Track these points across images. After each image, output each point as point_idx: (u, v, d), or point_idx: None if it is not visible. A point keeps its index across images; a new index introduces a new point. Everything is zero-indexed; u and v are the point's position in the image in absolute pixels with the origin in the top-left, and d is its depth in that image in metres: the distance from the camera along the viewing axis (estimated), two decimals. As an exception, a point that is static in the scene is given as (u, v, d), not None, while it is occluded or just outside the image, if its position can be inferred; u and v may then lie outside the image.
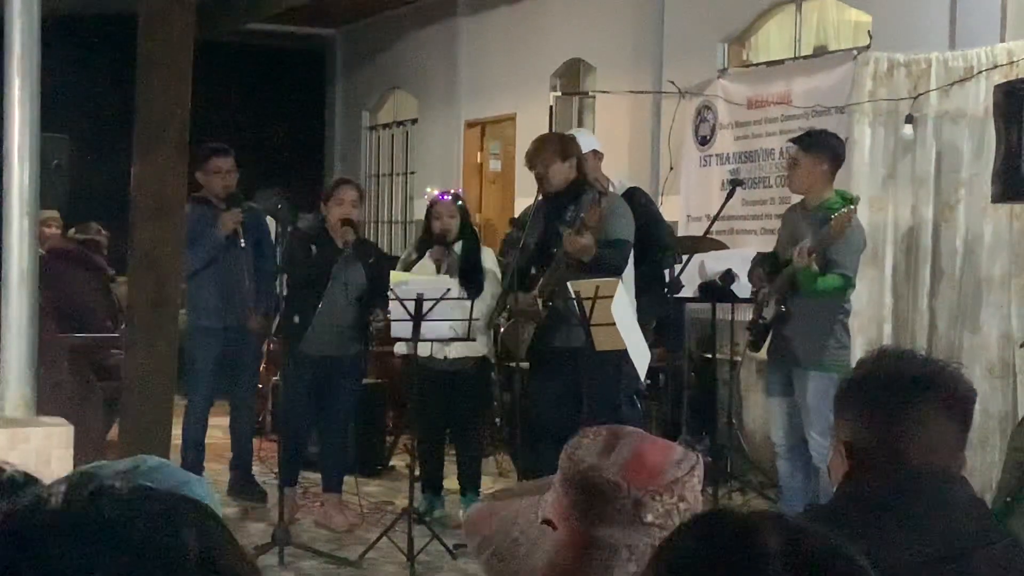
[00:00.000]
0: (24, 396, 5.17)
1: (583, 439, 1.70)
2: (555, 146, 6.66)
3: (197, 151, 7.29)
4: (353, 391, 7.15)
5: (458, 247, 7.01)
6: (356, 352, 7.04)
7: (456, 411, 7.15)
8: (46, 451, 4.98)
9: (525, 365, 7.44)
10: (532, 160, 6.63)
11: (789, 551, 1.05)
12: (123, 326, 7.86)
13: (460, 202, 7.17)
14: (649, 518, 1.63)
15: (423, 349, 6.80)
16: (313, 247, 6.84)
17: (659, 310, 7.12)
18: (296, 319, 6.75)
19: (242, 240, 7.20)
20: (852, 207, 5.97)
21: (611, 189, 7.00)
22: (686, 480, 1.65)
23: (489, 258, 7.15)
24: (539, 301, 6.48)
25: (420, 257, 7.07)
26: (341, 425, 7.12)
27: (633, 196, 7.12)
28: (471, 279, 6.88)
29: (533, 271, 6.63)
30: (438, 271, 6.88)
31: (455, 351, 6.95)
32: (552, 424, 6.17)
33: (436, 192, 7.28)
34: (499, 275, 7.11)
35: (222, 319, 7.27)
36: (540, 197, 6.74)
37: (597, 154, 7.40)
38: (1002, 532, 2.12)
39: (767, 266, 6.39)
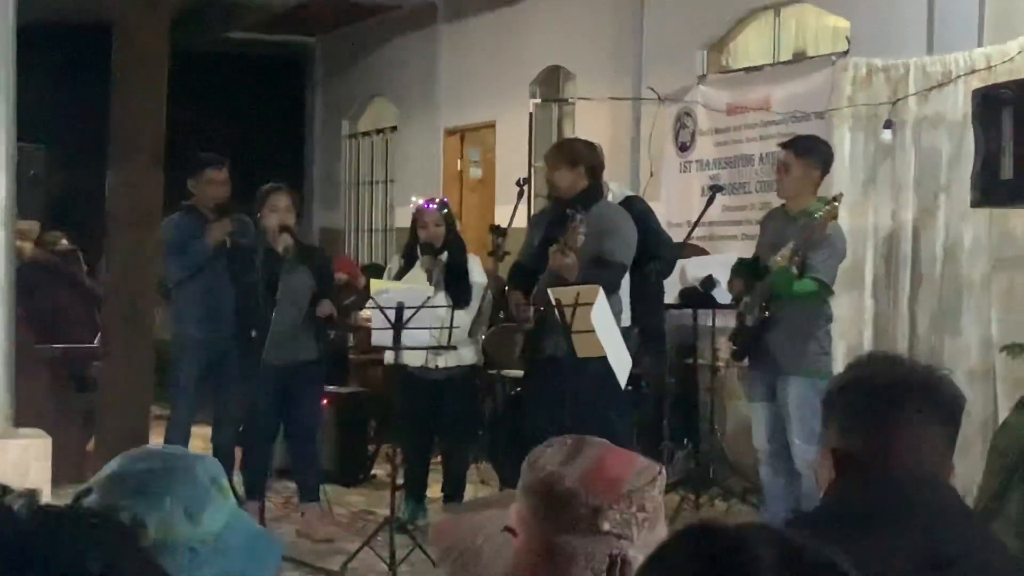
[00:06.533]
0: (2, 408, 5.15)
1: (548, 448, 1.75)
2: (565, 152, 6.61)
3: (192, 160, 7.28)
4: (316, 396, 7.11)
5: (445, 256, 6.99)
6: (315, 357, 6.99)
7: (445, 419, 7.13)
8: (24, 462, 4.96)
9: (507, 373, 7.43)
10: (546, 163, 6.67)
11: (782, 564, 1.04)
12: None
13: (446, 210, 7.15)
14: (606, 527, 1.65)
15: (413, 358, 6.77)
16: (255, 258, 6.78)
17: (646, 321, 7.06)
18: (253, 333, 6.70)
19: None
20: (836, 204, 5.95)
21: (608, 197, 6.92)
22: (646, 490, 1.67)
23: (476, 268, 7.11)
24: (531, 309, 6.44)
25: (408, 266, 7.05)
26: (309, 432, 7.08)
27: (631, 205, 7.06)
28: (458, 288, 6.86)
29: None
30: (428, 280, 6.86)
31: (446, 360, 6.92)
32: (540, 432, 6.13)
33: (421, 201, 7.25)
34: (485, 284, 7.10)
35: (205, 330, 7.24)
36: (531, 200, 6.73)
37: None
38: (989, 540, 2.10)
39: (746, 273, 6.37)
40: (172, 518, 1.60)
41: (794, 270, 5.96)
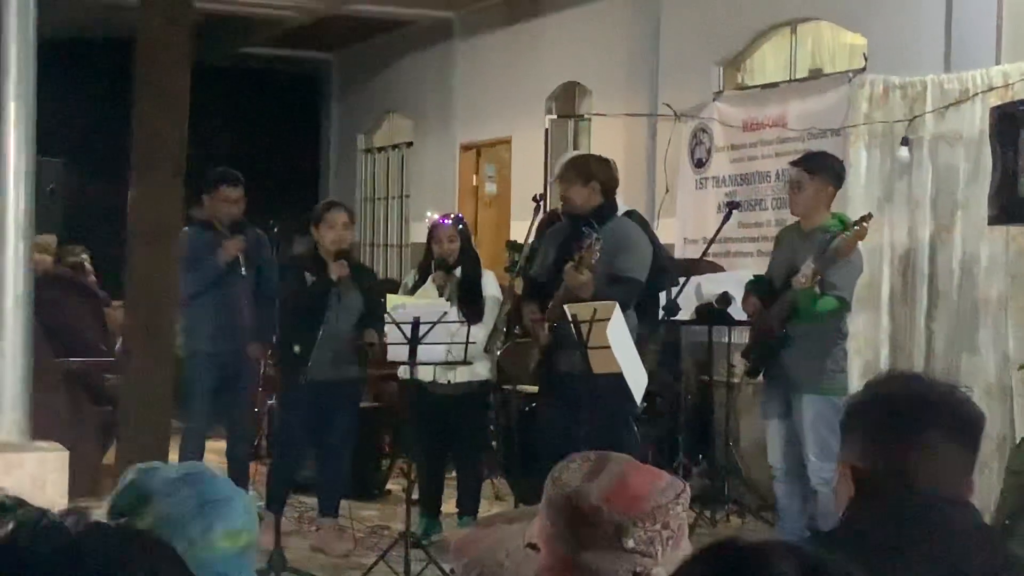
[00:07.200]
0: (19, 421, 5.16)
1: (570, 464, 1.73)
2: (578, 168, 6.61)
3: (208, 175, 7.31)
4: (351, 415, 7.13)
5: (459, 271, 7.00)
6: (354, 376, 7.01)
7: (458, 434, 7.13)
8: (41, 476, 4.96)
9: (523, 388, 7.42)
10: (558, 179, 6.67)
11: None
12: (117, 349, 7.84)
13: (461, 226, 7.15)
14: (630, 544, 1.64)
15: (426, 373, 6.78)
16: (308, 275, 6.80)
17: (652, 332, 7.06)
18: (296, 349, 6.70)
19: (243, 267, 7.20)
20: (866, 224, 5.92)
21: None
22: (670, 507, 1.66)
23: (491, 283, 7.12)
24: (546, 325, 6.44)
25: (422, 281, 7.06)
26: (339, 449, 7.09)
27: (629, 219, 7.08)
28: (471, 304, 6.86)
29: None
30: (441, 295, 6.86)
31: (459, 375, 6.93)
32: (554, 448, 6.14)
33: (437, 216, 7.26)
34: (500, 299, 7.10)
35: (219, 345, 7.25)
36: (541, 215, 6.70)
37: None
38: (1009, 558, 2.10)
39: (760, 291, 6.36)
40: (237, 526, 1.60)
41: (816, 290, 5.96)
